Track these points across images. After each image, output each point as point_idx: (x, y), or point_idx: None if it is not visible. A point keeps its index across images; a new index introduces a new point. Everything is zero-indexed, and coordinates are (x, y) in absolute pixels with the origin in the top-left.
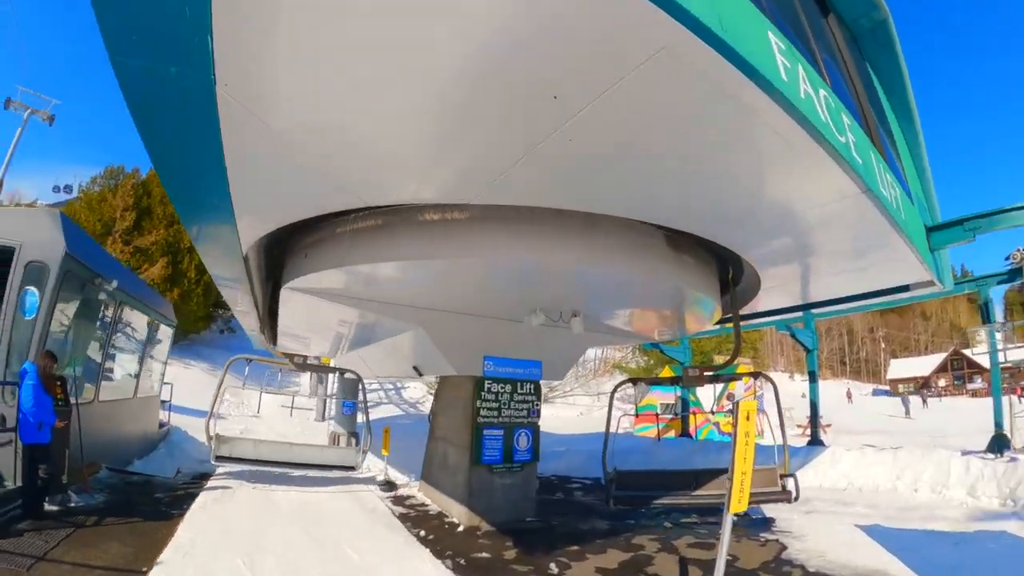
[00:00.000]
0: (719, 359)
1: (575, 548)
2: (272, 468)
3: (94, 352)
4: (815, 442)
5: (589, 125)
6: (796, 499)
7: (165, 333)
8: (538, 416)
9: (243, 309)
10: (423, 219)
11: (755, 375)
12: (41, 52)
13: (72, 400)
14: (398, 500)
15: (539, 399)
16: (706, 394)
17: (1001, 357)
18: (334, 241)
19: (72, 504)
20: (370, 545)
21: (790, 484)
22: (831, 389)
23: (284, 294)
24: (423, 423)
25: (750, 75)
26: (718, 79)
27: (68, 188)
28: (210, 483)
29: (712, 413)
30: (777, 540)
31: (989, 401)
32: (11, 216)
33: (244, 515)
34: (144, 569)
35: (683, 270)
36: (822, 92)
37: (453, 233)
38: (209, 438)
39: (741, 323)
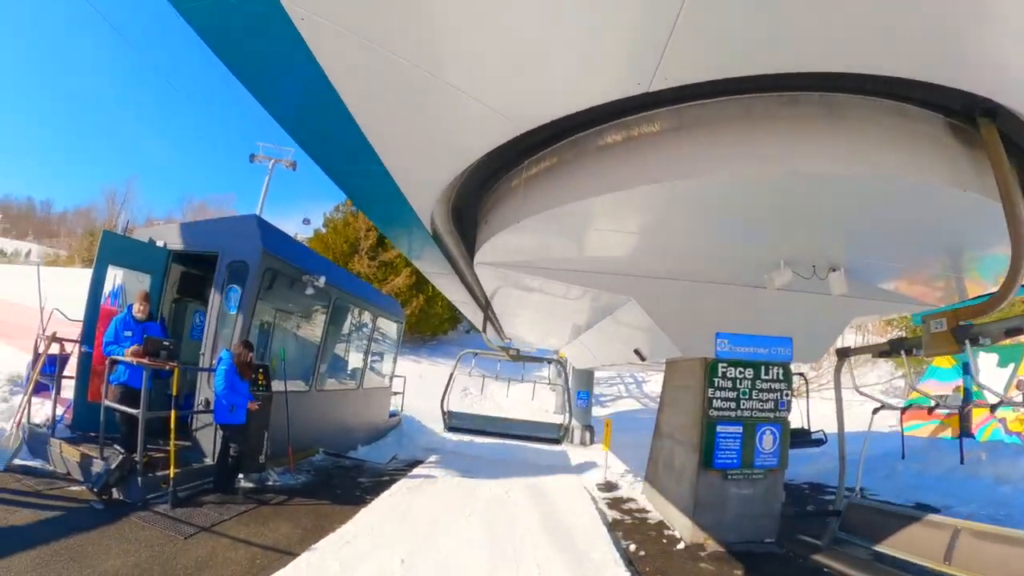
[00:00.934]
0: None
1: None
2: (488, 441)
3: (308, 345)
4: None
5: None
6: None
7: (391, 329)
8: (788, 410)
9: (461, 299)
10: (603, 144)
11: None
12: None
13: (279, 388)
14: (615, 503)
15: (789, 387)
16: (992, 382)
17: None
18: (510, 197)
19: (270, 483)
20: (559, 558)
21: None
22: None
23: (479, 274)
24: None
25: None
26: None
27: (307, 221)
28: (416, 471)
29: (994, 408)
30: None
31: None
32: (217, 224)
33: (431, 507)
34: (297, 553)
35: (979, 174)
36: None
37: (642, 156)
38: (443, 414)
39: None
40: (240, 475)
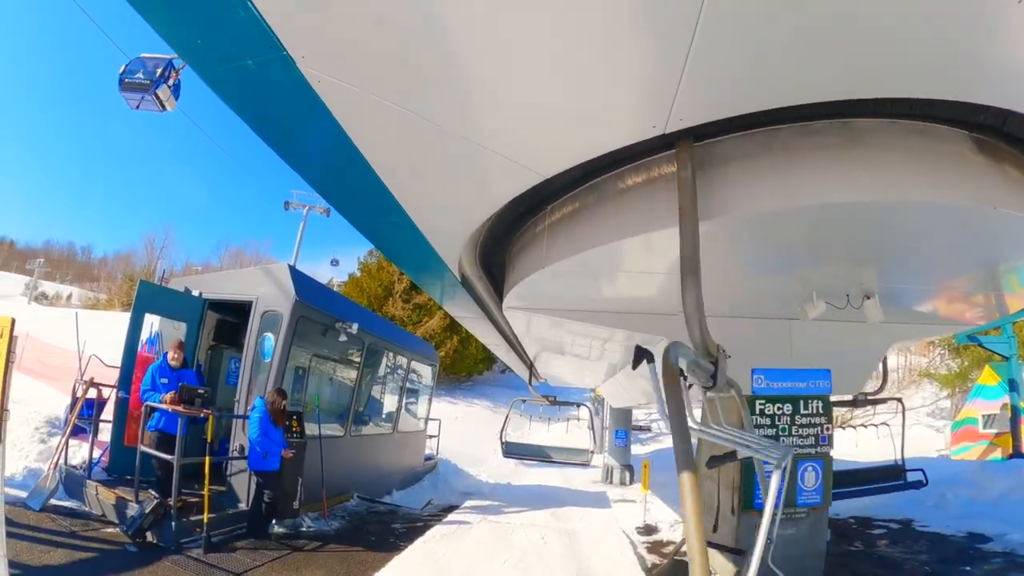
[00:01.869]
0: None
1: None
2: (528, 481)
3: (342, 390)
4: None
5: None
6: None
7: (426, 371)
8: (830, 444)
9: (492, 342)
10: (624, 187)
11: None
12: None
13: (314, 433)
14: (655, 547)
15: (830, 420)
16: None
17: None
18: (535, 243)
19: (304, 528)
20: None
21: None
22: None
23: (509, 317)
24: None
25: None
26: None
27: (335, 262)
28: (451, 516)
29: None
30: None
31: None
32: (251, 274)
33: (466, 554)
34: None
35: (1009, 189)
36: None
37: (663, 197)
38: (501, 443)
39: None
40: (274, 521)
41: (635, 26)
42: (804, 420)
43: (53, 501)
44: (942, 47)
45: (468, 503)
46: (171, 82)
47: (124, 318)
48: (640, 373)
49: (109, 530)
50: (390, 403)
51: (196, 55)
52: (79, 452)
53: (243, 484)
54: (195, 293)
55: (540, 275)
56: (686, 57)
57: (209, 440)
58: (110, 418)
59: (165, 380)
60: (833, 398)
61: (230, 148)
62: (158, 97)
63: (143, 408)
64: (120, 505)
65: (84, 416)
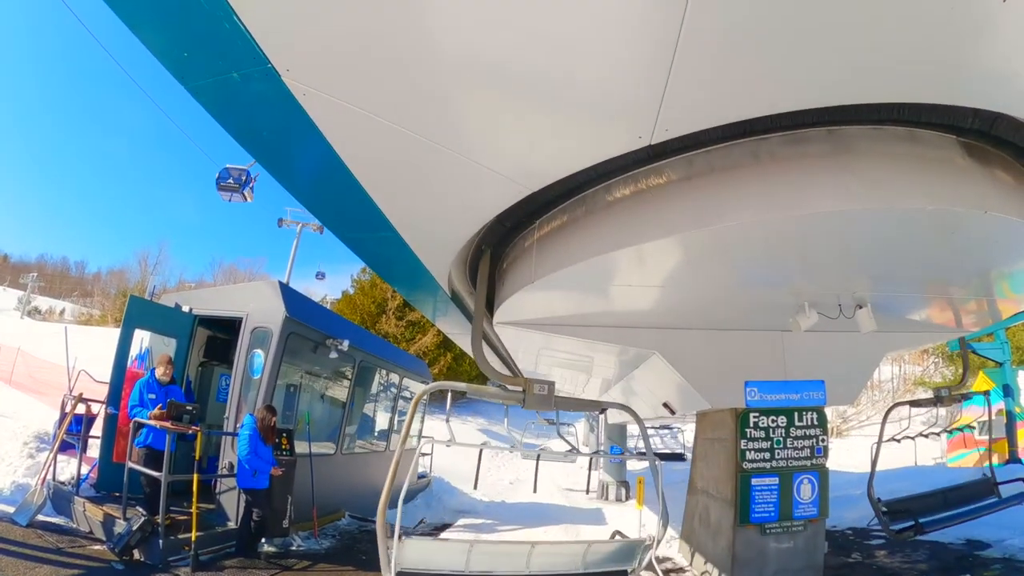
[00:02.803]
0: None
1: None
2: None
3: (333, 408)
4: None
5: None
6: None
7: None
8: (825, 456)
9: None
10: (611, 199)
11: None
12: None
13: (303, 451)
14: (650, 565)
15: (825, 432)
16: None
17: None
18: (524, 257)
19: (294, 547)
20: None
21: None
22: None
23: (500, 333)
24: None
25: None
26: None
27: (321, 275)
28: (444, 535)
29: None
30: None
31: None
32: (241, 290)
33: None
34: None
35: (999, 192)
36: None
37: (652, 209)
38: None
39: None
40: (263, 539)
41: (618, 38)
42: (799, 432)
43: (40, 517)
44: (927, 51)
45: (461, 521)
46: (251, 185)
47: (117, 334)
48: (634, 388)
49: (96, 547)
50: (382, 421)
51: (182, 67)
52: (67, 468)
53: (232, 502)
54: (185, 309)
55: (529, 290)
56: (669, 67)
57: (198, 457)
58: (99, 434)
59: (153, 396)
60: (914, 397)
61: (223, 164)
62: (243, 195)
63: (131, 424)
64: (108, 522)
65: (73, 431)
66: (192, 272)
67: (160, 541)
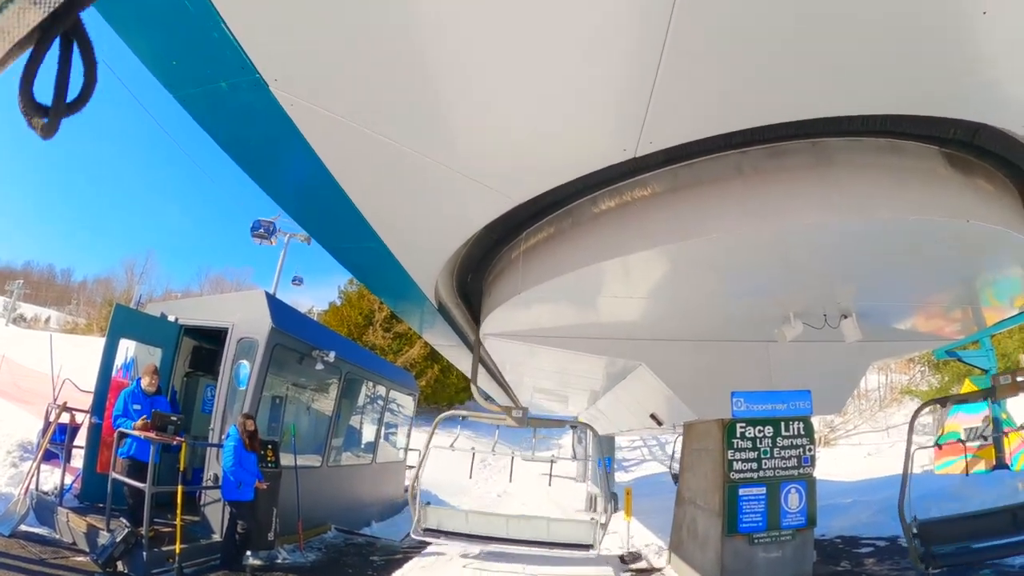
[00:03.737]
0: None
1: None
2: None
3: (319, 420)
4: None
5: None
6: None
7: (405, 401)
8: (812, 465)
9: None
10: (597, 211)
11: None
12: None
13: (289, 463)
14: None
15: (812, 441)
16: (1018, 408)
17: None
18: (510, 269)
19: (279, 560)
20: None
21: None
22: None
23: (487, 345)
24: None
25: None
26: None
27: (298, 280)
28: (430, 548)
29: None
30: None
31: None
32: (227, 300)
33: None
34: None
35: (982, 202)
36: None
37: (637, 220)
38: (414, 509)
39: None
40: (248, 552)
41: (603, 52)
42: (786, 442)
43: (23, 527)
44: (908, 61)
45: None
46: (277, 235)
47: (102, 343)
48: (620, 400)
49: (79, 559)
50: (369, 433)
51: (170, 75)
52: (51, 478)
53: (217, 514)
54: (171, 318)
55: (516, 302)
56: (654, 81)
57: (182, 469)
58: (83, 444)
59: (138, 406)
60: (900, 405)
61: (213, 174)
62: (271, 241)
63: (115, 434)
64: (91, 533)
65: (56, 441)
66: (179, 281)
67: (144, 553)
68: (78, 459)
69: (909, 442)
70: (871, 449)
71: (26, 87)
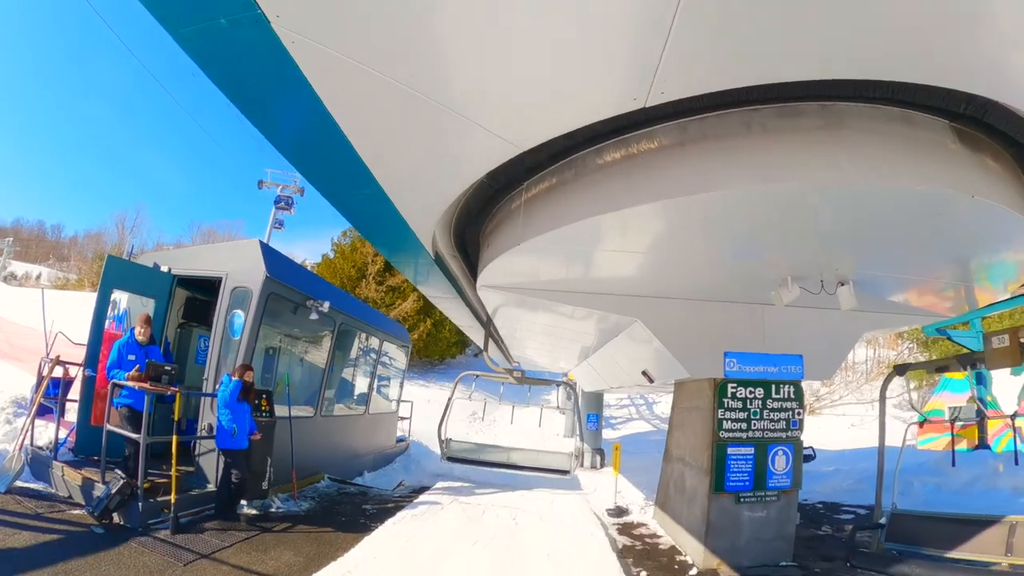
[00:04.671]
0: None
1: None
2: (493, 469)
3: (313, 370)
4: None
5: None
6: None
7: (398, 353)
8: (801, 429)
9: (467, 324)
10: (601, 163)
11: None
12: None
13: (283, 414)
14: (626, 528)
15: (801, 406)
16: (1005, 391)
17: None
18: (511, 219)
19: (273, 509)
20: None
21: None
22: None
23: (483, 297)
24: None
25: None
26: None
27: (280, 222)
28: (422, 497)
29: (1013, 417)
30: None
31: None
32: (221, 249)
33: (436, 536)
34: None
35: (987, 179)
36: None
37: (642, 174)
38: (441, 442)
39: None
40: (243, 501)
41: None
42: (776, 404)
43: (19, 483)
44: (924, 31)
45: (439, 484)
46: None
47: (94, 298)
48: (613, 356)
49: (75, 512)
50: (362, 384)
51: (168, 12)
52: (45, 432)
53: (212, 464)
54: (164, 269)
55: (515, 252)
56: (670, 28)
57: (177, 419)
58: (76, 397)
59: (132, 356)
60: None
61: (205, 124)
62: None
63: (109, 386)
64: (86, 486)
65: (50, 395)
66: (170, 235)
67: (139, 504)
68: (72, 413)
69: (882, 413)
70: (855, 420)
71: None
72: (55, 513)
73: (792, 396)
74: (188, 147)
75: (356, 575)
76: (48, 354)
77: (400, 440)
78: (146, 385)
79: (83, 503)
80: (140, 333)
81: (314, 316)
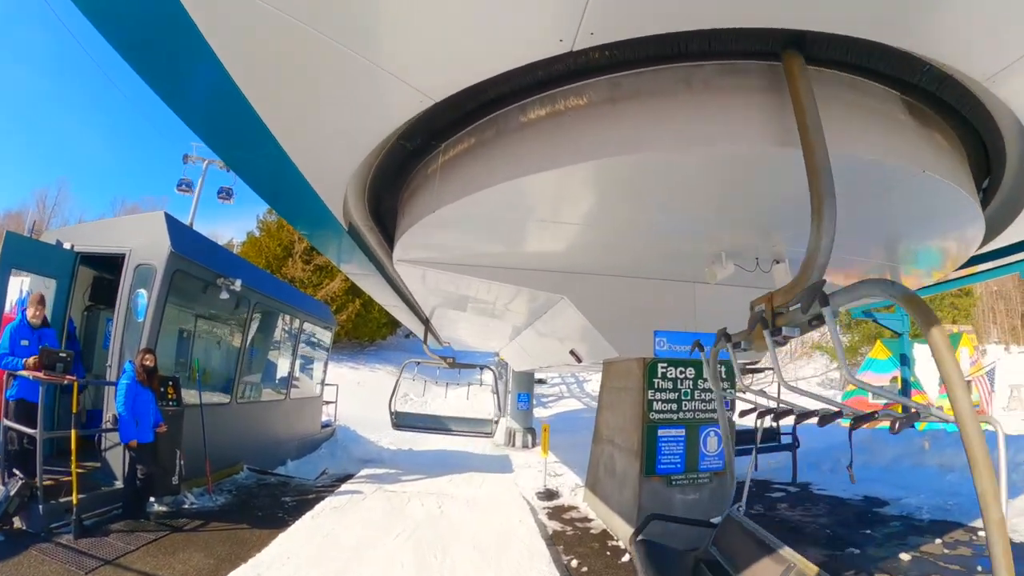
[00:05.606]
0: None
1: None
2: (428, 447)
3: (228, 354)
4: None
5: None
6: None
7: (322, 334)
8: (733, 409)
9: (391, 303)
10: (526, 120)
11: None
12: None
13: (194, 401)
14: (556, 512)
15: (733, 386)
16: (927, 372)
17: None
18: (427, 185)
19: (186, 506)
20: None
21: None
22: None
23: (401, 273)
24: None
25: None
26: None
27: (227, 191)
28: (345, 486)
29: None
30: None
31: None
32: (125, 223)
33: (357, 528)
34: None
35: (936, 155)
36: None
37: (568, 133)
38: (391, 413)
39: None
40: (152, 499)
41: None
42: (706, 384)
43: None
44: None
45: (364, 472)
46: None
47: None
48: (541, 336)
49: None
50: (282, 367)
51: None
52: None
53: (119, 459)
54: (67, 246)
55: (431, 222)
56: None
57: (75, 410)
58: None
59: (26, 342)
60: (810, 359)
61: (127, 91)
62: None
63: (4, 376)
64: None
65: None
66: (93, 212)
67: (40, 507)
68: None
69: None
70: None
71: None
72: None
73: (723, 376)
74: (113, 118)
75: (274, 573)
76: None
77: (326, 425)
78: (39, 374)
79: None
80: (33, 315)
81: (225, 295)
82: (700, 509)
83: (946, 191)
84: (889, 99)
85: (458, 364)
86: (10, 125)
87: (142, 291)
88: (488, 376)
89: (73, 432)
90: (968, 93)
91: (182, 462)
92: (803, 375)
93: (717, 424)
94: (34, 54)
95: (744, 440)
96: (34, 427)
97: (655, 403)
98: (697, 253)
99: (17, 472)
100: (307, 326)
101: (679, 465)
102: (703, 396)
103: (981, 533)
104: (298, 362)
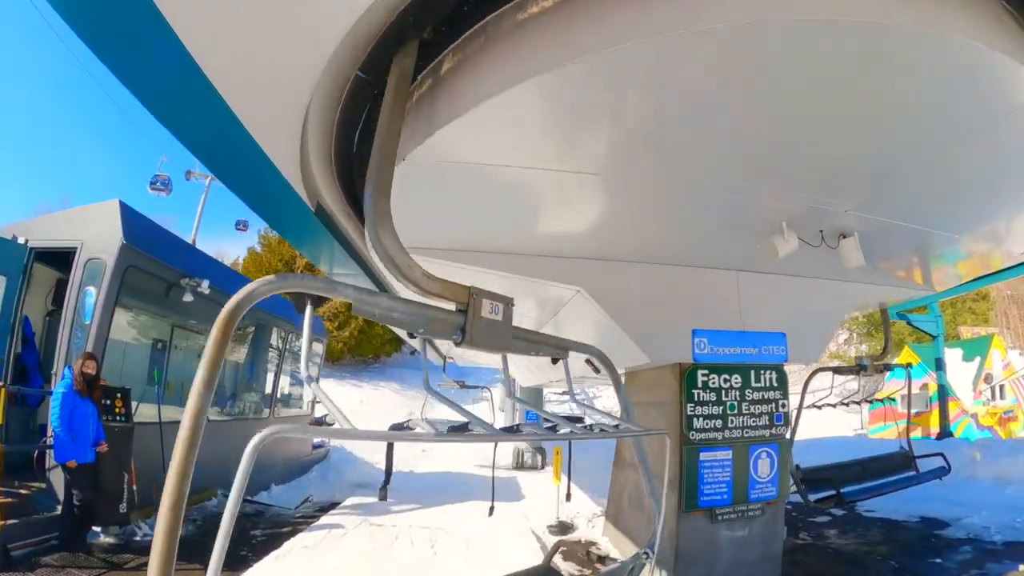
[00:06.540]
0: (967, 333)
1: None
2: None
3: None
4: None
5: None
6: None
7: (314, 349)
8: (786, 424)
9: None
10: (523, 18)
11: None
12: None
13: (153, 418)
14: (572, 551)
15: (786, 396)
16: (960, 377)
17: None
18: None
19: (138, 538)
20: None
21: None
22: None
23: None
24: None
25: None
26: None
27: (244, 224)
28: (325, 518)
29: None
30: None
31: None
32: (76, 216)
33: (330, 572)
34: None
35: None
36: None
37: (579, 21)
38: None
39: None
40: (99, 529)
41: None
42: (756, 395)
43: None
44: None
45: (349, 501)
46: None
47: None
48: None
49: None
50: (266, 384)
51: None
52: None
53: (60, 481)
54: (21, 241)
55: (402, 173)
56: None
57: (1, 422)
58: None
59: None
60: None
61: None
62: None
63: None
64: None
65: None
66: None
67: None
68: None
69: (801, 402)
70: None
71: None
72: None
73: (775, 384)
74: (115, 134)
75: None
76: None
77: (318, 446)
78: None
79: None
80: None
81: (188, 297)
82: (751, 546)
83: None
84: None
85: (467, 387)
86: (11, 144)
87: (91, 289)
88: (497, 392)
89: None
90: None
91: (133, 487)
92: (824, 385)
93: (770, 443)
94: (33, 76)
95: (880, 470)
96: None
97: (695, 419)
98: (749, 226)
99: None
100: (294, 338)
101: (726, 496)
102: (752, 409)
103: None
104: (285, 378)
